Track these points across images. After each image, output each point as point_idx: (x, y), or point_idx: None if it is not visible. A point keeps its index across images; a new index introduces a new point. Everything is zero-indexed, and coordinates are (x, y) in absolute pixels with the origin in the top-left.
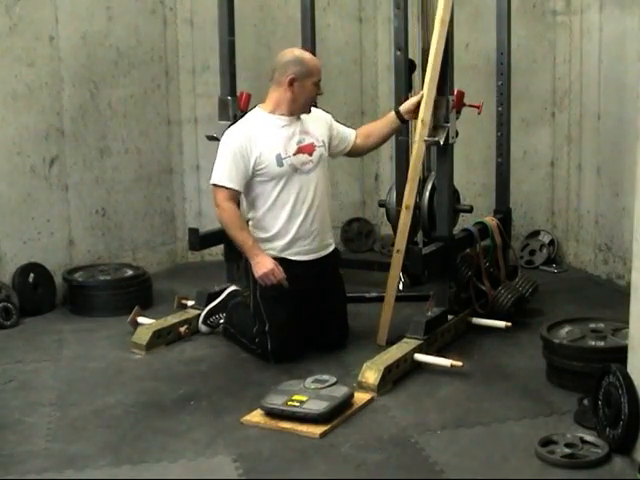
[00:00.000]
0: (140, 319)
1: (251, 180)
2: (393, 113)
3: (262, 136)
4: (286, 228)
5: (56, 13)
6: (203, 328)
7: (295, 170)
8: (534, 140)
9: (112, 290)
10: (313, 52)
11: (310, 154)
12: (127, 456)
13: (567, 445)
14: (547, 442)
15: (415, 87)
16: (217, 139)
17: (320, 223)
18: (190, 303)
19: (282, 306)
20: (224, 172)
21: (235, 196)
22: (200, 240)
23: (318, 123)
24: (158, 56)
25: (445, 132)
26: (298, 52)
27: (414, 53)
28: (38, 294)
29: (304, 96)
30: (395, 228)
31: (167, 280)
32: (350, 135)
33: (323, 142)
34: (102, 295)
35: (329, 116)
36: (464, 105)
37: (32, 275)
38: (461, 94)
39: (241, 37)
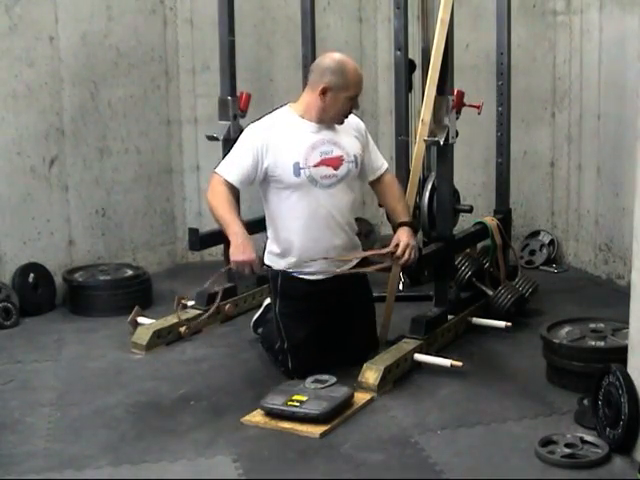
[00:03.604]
0: (140, 319)
1: (268, 185)
2: (398, 224)
3: (283, 141)
4: (298, 244)
5: (56, 13)
6: (256, 335)
7: (313, 183)
8: (534, 140)
9: (112, 290)
10: (313, 52)
11: (335, 168)
12: (127, 456)
13: (567, 445)
14: (547, 442)
15: (415, 87)
16: (217, 139)
17: (341, 243)
18: (190, 303)
19: (301, 324)
20: (230, 164)
21: (231, 189)
22: (200, 240)
23: (353, 136)
24: (158, 56)
25: (445, 132)
26: (340, 60)
27: (414, 53)
28: (38, 294)
29: (335, 108)
30: (395, 228)
31: (167, 280)
32: (378, 170)
33: (354, 157)
34: (102, 295)
35: (364, 130)
36: (464, 105)
37: (32, 275)
38: (461, 94)
39: (241, 37)
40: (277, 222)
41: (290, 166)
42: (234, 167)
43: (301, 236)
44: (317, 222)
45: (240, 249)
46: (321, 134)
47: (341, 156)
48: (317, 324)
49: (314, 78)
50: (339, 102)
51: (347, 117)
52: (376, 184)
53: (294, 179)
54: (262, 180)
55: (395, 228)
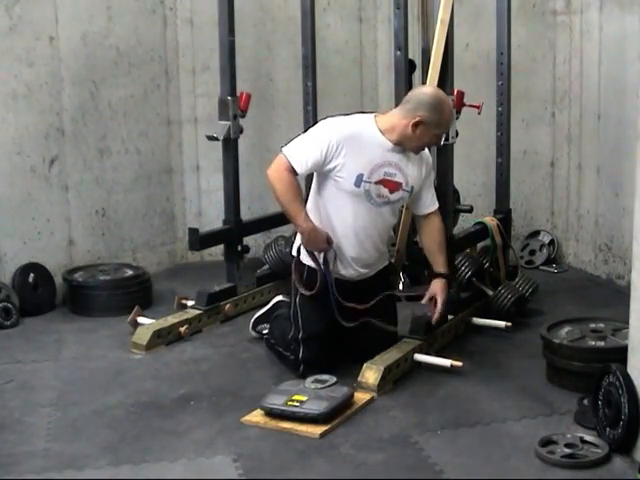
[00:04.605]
0: (140, 319)
1: (327, 180)
2: (436, 275)
3: (356, 150)
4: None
5: (56, 13)
6: (253, 334)
7: (368, 197)
8: (534, 140)
9: (112, 290)
10: (313, 52)
11: (391, 191)
12: (127, 456)
13: (567, 445)
14: (547, 442)
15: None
16: (217, 139)
17: (368, 257)
18: (190, 303)
19: (320, 315)
20: (302, 154)
21: (295, 175)
22: (200, 240)
23: (420, 168)
24: (158, 56)
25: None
26: (439, 98)
27: (414, 53)
28: (38, 294)
29: (421, 141)
30: (395, 228)
31: (167, 280)
32: (428, 208)
33: (412, 188)
34: (102, 295)
35: (430, 166)
36: (464, 105)
37: (32, 275)
38: (461, 94)
39: (241, 37)
40: (320, 215)
41: (354, 175)
42: (303, 158)
43: (336, 238)
44: (355, 232)
45: (311, 242)
46: (392, 155)
47: (401, 183)
48: (334, 318)
49: (409, 107)
50: (427, 136)
51: (424, 149)
52: (421, 220)
53: (353, 188)
54: (324, 174)
55: (431, 276)
